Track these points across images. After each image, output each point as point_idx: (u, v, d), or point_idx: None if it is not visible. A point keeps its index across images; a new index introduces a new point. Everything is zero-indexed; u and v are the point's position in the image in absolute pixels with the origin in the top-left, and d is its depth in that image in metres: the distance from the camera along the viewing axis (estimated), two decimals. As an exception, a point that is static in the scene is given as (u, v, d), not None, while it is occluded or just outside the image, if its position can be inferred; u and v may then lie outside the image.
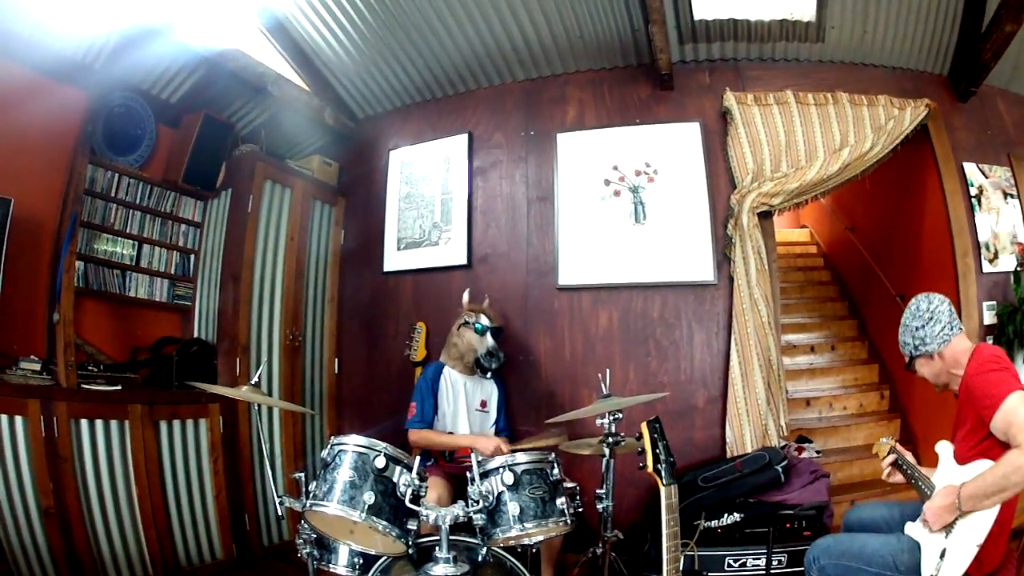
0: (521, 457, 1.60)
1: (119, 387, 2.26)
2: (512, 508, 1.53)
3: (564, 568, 2.21)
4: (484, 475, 1.56)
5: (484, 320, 2.25)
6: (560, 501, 1.59)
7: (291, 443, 2.80)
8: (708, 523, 2.11)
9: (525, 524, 1.52)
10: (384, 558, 1.53)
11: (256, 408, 1.74)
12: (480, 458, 1.57)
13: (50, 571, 1.86)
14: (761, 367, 2.44)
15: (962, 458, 1.36)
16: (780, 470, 2.23)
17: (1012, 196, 3.20)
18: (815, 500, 2.19)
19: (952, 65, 3.10)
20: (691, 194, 2.58)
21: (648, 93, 2.74)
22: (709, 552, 2.03)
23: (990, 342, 2.91)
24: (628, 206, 2.59)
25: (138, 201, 2.66)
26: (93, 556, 1.98)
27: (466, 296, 2.36)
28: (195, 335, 2.80)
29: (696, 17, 2.67)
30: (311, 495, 1.44)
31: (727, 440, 2.46)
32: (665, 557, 1.43)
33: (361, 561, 1.58)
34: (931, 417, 3.11)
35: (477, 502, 1.49)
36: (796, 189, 2.58)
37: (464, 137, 2.84)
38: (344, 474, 1.42)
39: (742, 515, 2.12)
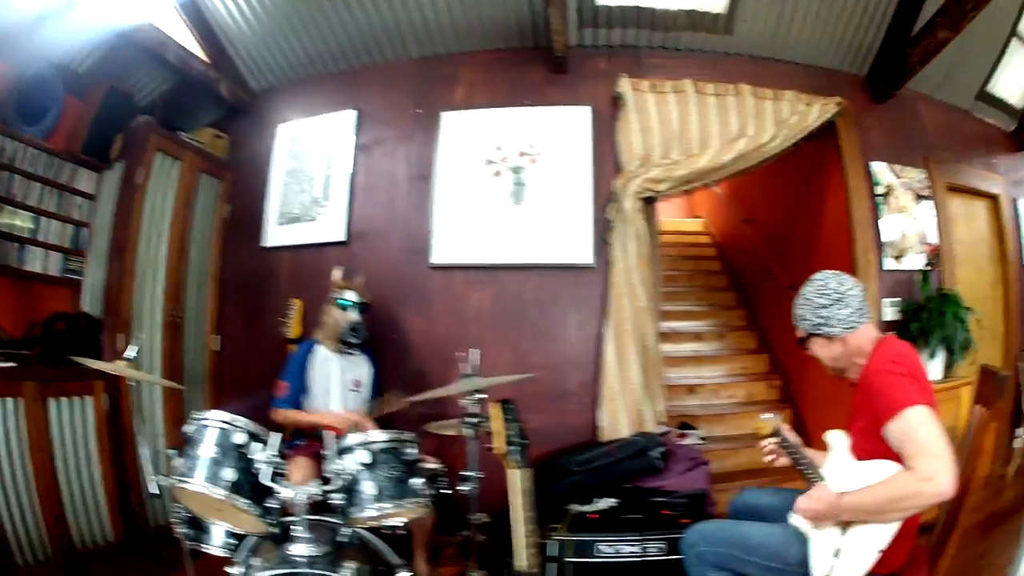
0: (378, 436, 1.59)
1: (14, 364, 2.18)
2: (369, 488, 1.51)
3: (438, 551, 2.19)
4: (341, 453, 1.54)
5: (349, 296, 2.21)
6: (417, 482, 1.58)
7: (171, 421, 2.71)
8: (581, 508, 2.09)
9: (383, 504, 1.51)
10: (255, 538, 1.52)
11: (136, 385, 1.72)
12: (336, 437, 1.57)
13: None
14: (638, 352, 2.41)
15: (861, 453, 1.29)
16: (656, 456, 2.22)
17: (926, 198, 3.22)
18: (694, 487, 2.19)
19: (872, 66, 3.14)
20: (575, 177, 2.56)
21: (542, 76, 2.74)
22: (581, 537, 1.97)
23: None
24: (508, 186, 2.56)
25: (40, 172, 2.59)
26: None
27: (337, 273, 2.32)
28: (84, 310, 2.73)
29: (598, 1, 2.67)
30: (176, 472, 1.42)
31: (602, 425, 2.44)
32: (518, 542, 1.43)
33: (236, 542, 1.57)
34: (823, 408, 3.10)
35: (331, 481, 1.49)
36: (684, 176, 2.56)
37: (353, 113, 2.82)
38: (207, 450, 1.43)
39: (617, 500, 2.09)
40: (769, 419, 1.49)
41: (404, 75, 2.85)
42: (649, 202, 2.57)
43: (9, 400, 2.05)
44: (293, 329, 2.67)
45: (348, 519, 1.50)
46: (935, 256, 3.20)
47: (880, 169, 3.09)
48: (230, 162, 3.13)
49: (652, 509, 2.08)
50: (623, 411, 2.39)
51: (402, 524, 1.66)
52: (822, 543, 1.23)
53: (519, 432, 1.49)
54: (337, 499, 1.49)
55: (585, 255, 2.49)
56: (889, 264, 3.03)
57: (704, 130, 2.69)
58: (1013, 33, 3.41)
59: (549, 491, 2.16)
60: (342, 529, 1.53)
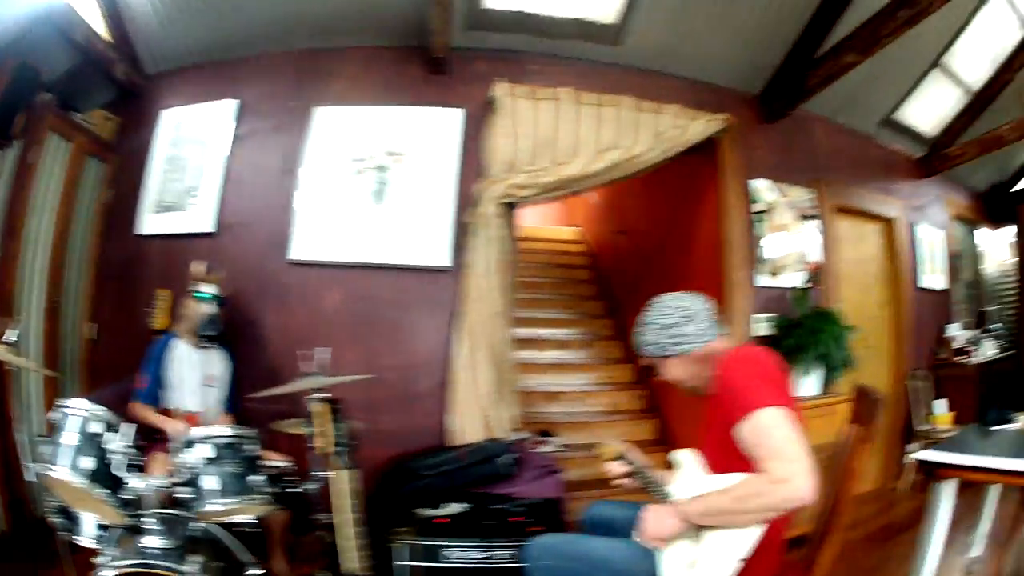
0: (220, 431, 1.63)
1: None
2: (211, 482, 1.56)
3: (294, 550, 2.15)
4: (186, 447, 1.58)
5: (207, 288, 2.23)
6: (258, 479, 1.61)
7: (49, 408, 2.67)
8: (430, 512, 2.09)
9: (226, 499, 1.56)
10: (117, 529, 1.54)
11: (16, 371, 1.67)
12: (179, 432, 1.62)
13: None
14: (489, 357, 2.44)
15: (716, 467, 1.25)
16: (506, 462, 2.23)
17: (811, 217, 3.28)
18: (545, 495, 2.19)
19: (767, 86, 3.19)
20: (439, 179, 2.58)
21: (421, 75, 2.75)
22: (428, 542, 2.00)
23: None
24: (372, 185, 2.57)
25: None
26: None
27: (197, 265, 2.32)
28: None
29: (485, 5, 2.68)
30: (42, 459, 1.45)
31: (452, 429, 2.46)
32: (346, 544, 1.39)
33: (106, 534, 1.58)
34: (690, 418, 3.14)
35: (174, 473, 1.54)
36: (550, 184, 2.59)
37: (234, 103, 2.81)
38: (68, 438, 1.46)
39: (466, 506, 2.09)
40: (612, 443, 1.49)
41: (286, 67, 2.86)
42: (510, 208, 2.59)
43: None
44: (159, 320, 2.67)
45: (195, 513, 1.55)
46: (816, 274, 3.26)
47: (762, 187, 3.14)
48: (116, 146, 3.11)
49: (501, 516, 2.09)
50: (473, 416, 2.41)
51: (255, 521, 1.71)
52: (674, 555, 1.20)
53: (346, 433, 1.52)
54: (184, 493, 1.54)
55: (442, 257, 2.51)
56: (764, 280, 3.08)
57: (576, 139, 2.72)
58: (936, 64, 3.48)
59: (397, 494, 2.16)
60: (191, 524, 1.56)
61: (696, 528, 1.17)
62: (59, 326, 2.82)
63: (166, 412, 2.12)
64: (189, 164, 2.84)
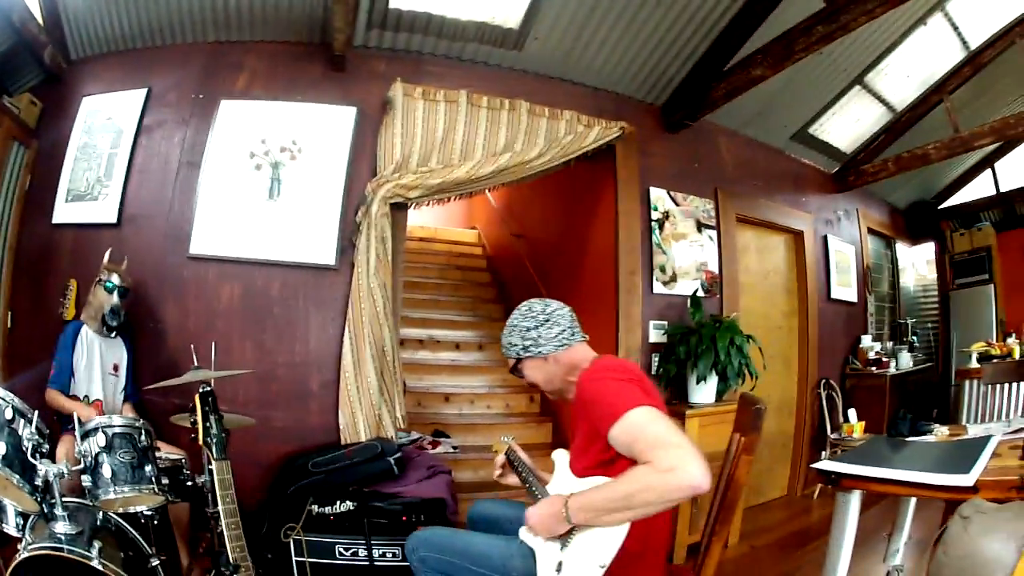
0: (116, 420, 1.74)
1: None
2: (106, 471, 1.67)
3: (196, 543, 2.28)
4: (84, 436, 1.68)
5: (115, 279, 2.36)
6: (149, 469, 1.72)
7: None
8: (320, 509, 2.18)
9: (119, 487, 1.66)
10: (32, 516, 1.59)
11: None
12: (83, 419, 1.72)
13: None
14: (374, 357, 2.56)
15: (579, 470, 1.28)
16: (392, 461, 2.34)
17: (709, 227, 3.42)
18: (432, 494, 2.27)
19: (671, 97, 3.30)
20: (330, 177, 2.72)
21: (320, 72, 2.86)
22: (320, 538, 2.11)
23: (655, 359, 3.06)
24: (267, 181, 2.71)
25: None
26: None
27: (107, 256, 2.45)
28: None
29: (391, 4, 2.77)
30: None
31: (342, 426, 2.57)
32: (227, 534, 1.48)
33: (23, 522, 1.63)
34: None
35: (79, 461, 1.62)
36: (438, 185, 2.72)
37: (143, 92, 2.93)
38: None
39: (354, 504, 2.18)
40: (504, 442, 1.60)
41: (195, 58, 2.95)
42: (399, 208, 2.73)
43: None
44: (70, 310, 2.78)
45: (96, 501, 1.66)
46: (713, 283, 3.40)
47: (659, 195, 3.27)
48: (38, 132, 3.22)
49: (390, 514, 2.17)
50: (361, 414, 2.55)
51: (152, 513, 1.79)
52: (545, 557, 1.22)
53: (219, 424, 1.56)
54: (85, 481, 1.66)
55: (329, 256, 2.65)
56: (660, 288, 3.21)
57: (469, 141, 2.84)
58: (858, 81, 3.58)
59: (288, 491, 2.27)
60: (96, 513, 1.67)
61: (568, 530, 1.18)
62: None
63: (75, 398, 2.25)
64: (101, 153, 2.96)
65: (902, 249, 4.90)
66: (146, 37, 3.06)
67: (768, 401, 3.92)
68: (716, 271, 3.40)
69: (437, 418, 3.36)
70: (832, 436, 3.63)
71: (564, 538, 1.20)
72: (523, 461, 1.51)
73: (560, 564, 1.18)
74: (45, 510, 1.56)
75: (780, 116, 3.66)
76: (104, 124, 2.98)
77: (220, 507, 1.52)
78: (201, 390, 1.60)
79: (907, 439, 1.95)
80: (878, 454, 1.68)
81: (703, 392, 2.96)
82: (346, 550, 2.12)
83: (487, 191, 3.08)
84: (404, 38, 2.93)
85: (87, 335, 2.33)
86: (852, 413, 3.47)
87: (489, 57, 3.04)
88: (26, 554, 1.48)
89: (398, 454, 2.42)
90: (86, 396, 2.28)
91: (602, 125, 3.06)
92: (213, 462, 1.55)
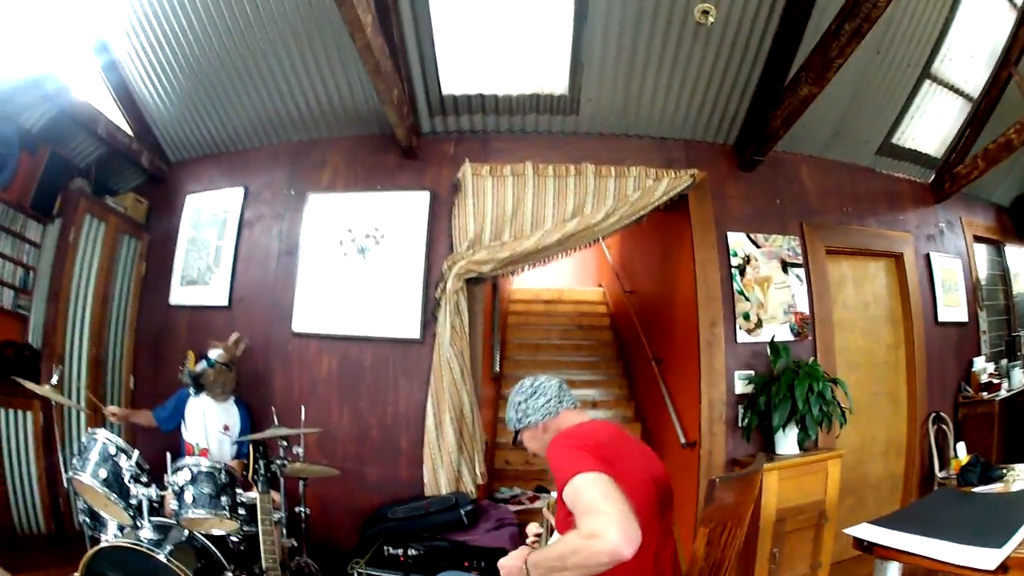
0: (203, 463, 2.46)
1: None
2: (188, 497, 2.36)
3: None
4: (175, 471, 2.43)
5: (211, 352, 3.09)
6: (225, 500, 2.41)
7: None
8: (393, 551, 2.71)
9: (197, 510, 2.34)
10: (127, 528, 2.40)
11: (66, 409, 2.78)
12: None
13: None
14: (452, 419, 3.14)
15: (560, 527, 1.51)
16: (463, 513, 2.86)
17: (796, 265, 3.55)
18: (495, 545, 2.77)
19: (740, 134, 3.58)
20: (411, 258, 3.31)
21: (395, 161, 3.51)
22: (377, 572, 2.64)
23: (740, 411, 3.31)
24: (355, 265, 3.23)
25: None
26: None
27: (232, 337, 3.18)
28: (28, 341, 3.64)
29: (444, 92, 3.26)
30: (73, 467, 2.37)
31: (425, 481, 3.16)
32: (263, 548, 2.15)
33: (121, 534, 2.39)
34: (679, 484, 3.52)
35: (167, 487, 2.41)
36: (508, 258, 3.18)
37: (241, 191, 3.61)
38: (93, 455, 2.37)
39: (423, 548, 2.69)
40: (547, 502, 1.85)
41: (283, 157, 3.68)
42: (474, 283, 3.14)
43: None
44: (187, 377, 3.46)
45: (180, 520, 2.37)
46: (803, 324, 3.50)
47: (738, 240, 3.45)
48: (147, 226, 3.99)
49: (453, 558, 2.65)
50: (442, 470, 3.12)
51: (239, 540, 2.45)
52: None
53: (266, 467, 2.28)
54: (173, 505, 2.37)
55: (413, 330, 3.27)
56: (743, 337, 3.41)
57: (538, 211, 3.28)
58: (926, 75, 3.64)
59: (366, 534, 2.90)
60: (181, 530, 2.36)
61: None
62: (102, 375, 3.81)
63: (188, 446, 3.00)
64: (208, 244, 3.65)
65: (1013, 252, 4.64)
66: (237, 141, 3.85)
67: (874, 444, 3.91)
68: (807, 311, 3.51)
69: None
70: (940, 475, 3.60)
71: None
72: (549, 521, 1.71)
73: None
74: (136, 523, 2.32)
75: (858, 131, 3.74)
76: (209, 219, 3.71)
77: (260, 528, 2.18)
78: (253, 439, 2.35)
79: (974, 490, 1.98)
80: (926, 514, 1.68)
81: (786, 443, 3.12)
82: None
83: (605, 249, 3.35)
84: (466, 120, 3.51)
85: (202, 399, 3.05)
86: (961, 447, 3.41)
87: (550, 126, 3.51)
88: (106, 544, 2.19)
89: (470, 507, 2.93)
90: (197, 444, 2.99)
91: (671, 176, 3.37)
92: (257, 495, 2.21)
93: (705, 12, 2.82)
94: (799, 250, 3.58)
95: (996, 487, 1.92)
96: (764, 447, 3.26)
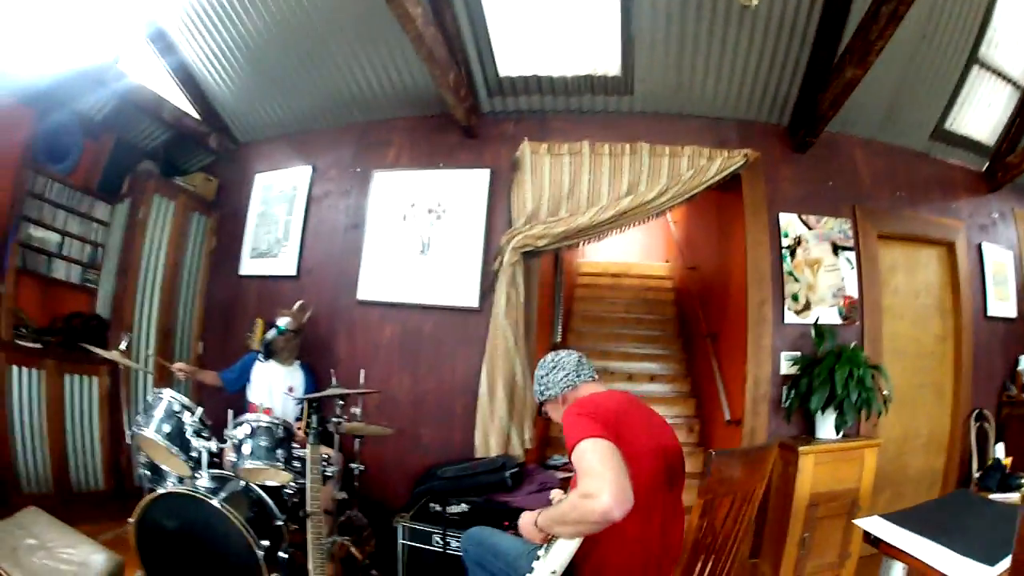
0: (262, 419, 2.69)
1: (39, 345, 3.59)
2: (246, 449, 2.60)
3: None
4: (235, 426, 2.68)
5: (279, 320, 3.37)
6: (280, 453, 2.63)
7: None
8: (438, 507, 2.83)
9: (253, 461, 2.57)
10: (186, 479, 2.62)
11: (133, 374, 3.16)
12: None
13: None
14: (505, 385, 3.35)
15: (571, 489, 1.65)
16: (507, 475, 3.02)
17: (847, 248, 3.62)
18: (533, 505, 2.84)
19: (793, 115, 3.69)
20: (471, 231, 3.53)
21: (456, 140, 3.75)
22: (419, 526, 2.74)
23: (785, 391, 3.41)
24: (418, 238, 3.49)
25: (65, 203, 3.98)
26: (12, 469, 3.25)
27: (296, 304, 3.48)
28: (96, 312, 3.98)
29: (501, 74, 3.45)
30: (138, 424, 2.61)
31: (477, 444, 3.39)
32: (308, 493, 2.32)
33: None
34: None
35: (226, 441, 2.65)
36: (563, 233, 3.38)
37: (309, 168, 3.88)
38: (158, 412, 2.59)
39: (468, 506, 2.85)
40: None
41: (349, 137, 3.94)
42: (531, 255, 3.32)
43: (34, 371, 3.45)
44: (255, 342, 3.75)
45: (236, 469, 2.61)
46: (851, 309, 3.56)
47: (789, 220, 3.55)
48: (217, 202, 4.31)
49: (494, 518, 2.66)
50: (492, 434, 3.34)
51: (292, 492, 2.65)
52: (536, 560, 1.59)
53: (318, 420, 2.44)
54: (231, 456, 2.64)
55: (472, 299, 3.50)
56: (791, 318, 3.51)
57: (594, 189, 3.45)
58: (974, 60, 3.65)
59: (415, 492, 3.10)
60: (238, 482, 2.61)
61: (547, 538, 1.57)
62: (171, 342, 4.17)
63: (252, 405, 3.28)
64: (277, 219, 3.93)
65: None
66: (304, 122, 4.08)
67: (916, 436, 3.94)
68: (855, 296, 3.57)
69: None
70: (976, 475, 3.57)
71: (547, 545, 1.57)
72: None
73: (533, 568, 1.56)
74: (195, 475, 2.52)
75: (911, 115, 3.75)
76: (278, 196, 3.99)
77: (308, 476, 2.35)
78: (309, 398, 2.55)
79: (992, 496, 2.02)
80: (938, 515, 1.67)
81: (825, 427, 3.19)
82: (441, 540, 2.69)
83: (672, 225, 3.46)
84: (524, 100, 3.74)
85: (270, 362, 3.33)
86: (1000, 448, 3.42)
87: (606, 105, 3.68)
88: (162, 491, 2.40)
89: (515, 469, 3.08)
90: (261, 404, 3.27)
91: (724, 156, 3.50)
92: (308, 447, 2.37)
93: (750, -5, 3.02)
94: (850, 233, 3.66)
95: (1014, 496, 1.95)
96: (805, 429, 3.31)
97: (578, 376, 1.84)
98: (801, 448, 2.98)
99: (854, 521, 1.69)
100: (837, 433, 3.18)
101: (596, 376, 1.89)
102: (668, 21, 3.15)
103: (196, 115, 4.17)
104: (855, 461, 3.08)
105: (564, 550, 1.47)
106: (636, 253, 7.18)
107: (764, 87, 3.50)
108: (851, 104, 3.24)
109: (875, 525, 1.48)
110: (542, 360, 1.93)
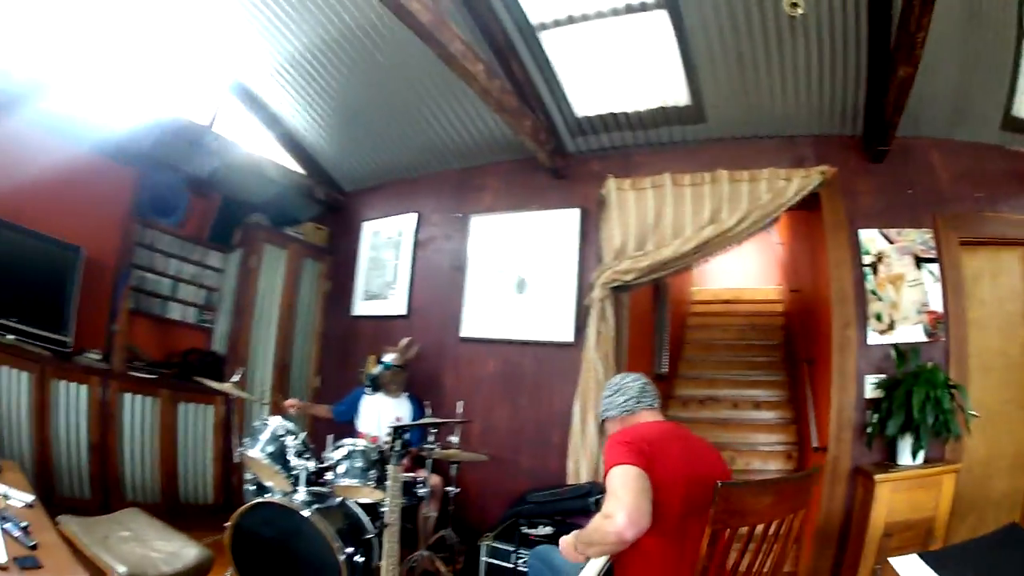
0: (359, 443, 2.99)
1: (155, 376, 4.10)
2: (341, 469, 2.93)
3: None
4: (336, 448, 3.01)
5: (386, 356, 3.86)
6: (372, 473, 3.01)
7: None
8: (527, 529, 3.07)
9: (347, 480, 2.89)
10: (287, 494, 2.88)
11: (248, 405, 3.75)
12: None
13: (86, 487, 3.55)
14: (596, 418, 3.67)
15: None
16: (592, 501, 3.08)
17: (929, 260, 3.64)
18: None
19: (865, 124, 3.70)
20: (564, 270, 3.98)
21: (546, 181, 4.18)
22: (499, 546, 2.99)
23: (868, 415, 3.41)
24: (514, 278, 3.93)
25: (176, 252, 4.54)
26: (119, 480, 3.74)
27: (402, 342, 3.98)
28: (212, 348, 4.72)
29: (579, 114, 3.81)
30: (244, 445, 3.02)
31: (569, 471, 3.71)
32: (388, 505, 2.36)
33: None
34: None
35: (324, 462, 3.07)
36: (648, 267, 3.72)
37: (415, 216, 4.50)
38: (264, 435, 2.98)
39: (553, 529, 3.06)
40: None
41: (448, 184, 4.53)
42: (620, 290, 3.67)
43: (149, 398, 3.96)
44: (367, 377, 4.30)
45: (332, 486, 2.91)
46: (936, 325, 3.54)
47: (870, 236, 3.66)
48: (329, 249, 4.92)
49: None
50: (583, 462, 3.63)
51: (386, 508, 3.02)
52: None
53: (402, 444, 2.60)
54: (328, 475, 2.91)
55: (567, 335, 3.91)
56: (875, 339, 3.49)
57: (678, 221, 3.76)
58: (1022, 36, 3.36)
59: (505, 515, 3.32)
60: (334, 498, 2.93)
61: (586, 557, 1.70)
62: (287, 377, 4.77)
63: (360, 433, 3.64)
64: (386, 263, 4.47)
65: None
66: (404, 171, 4.61)
67: (1001, 457, 4.06)
68: (940, 310, 3.53)
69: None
70: None
71: (586, 563, 1.71)
72: None
73: None
74: (294, 490, 2.82)
75: (976, 106, 3.48)
76: (385, 241, 4.53)
77: (388, 491, 2.44)
78: (396, 427, 2.76)
79: None
80: (978, 555, 1.53)
81: (905, 452, 3.11)
82: (519, 559, 2.91)
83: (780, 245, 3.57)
84: (606, 137, 4.10)
85: (379, 395, 3.78)
86: None
87: (684, 135, 3.98)
88: (258, 500, 2.70)
89: (600, 496, 3.19)
90: (368, 432, 3.64)
91: (802, 174, 3.58)
92: (392, 467, 2.47)
93: (794, 4, 2.86)
94: (932, 243, 3.53)
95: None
96: (887, 455, 3.22)
97: (638, 403, 1.95)
98: (877, 476, 2.94)
99: (888, 559, 1.58)
100: (913, 458, 3.07)
101: (657, 404, 1.99)
102: (723, 43, 3.21)
103: (301, 170, 4.75)
104: (932, 488, 2.97)
105: (593, 568, 1.63)
106: (750, 277, 7.23)
107: (831, 97, 3.48)
108: (917, 104, 3.14)
109: (907, 566, 1.39)
110: (609, 381, 2.09)
